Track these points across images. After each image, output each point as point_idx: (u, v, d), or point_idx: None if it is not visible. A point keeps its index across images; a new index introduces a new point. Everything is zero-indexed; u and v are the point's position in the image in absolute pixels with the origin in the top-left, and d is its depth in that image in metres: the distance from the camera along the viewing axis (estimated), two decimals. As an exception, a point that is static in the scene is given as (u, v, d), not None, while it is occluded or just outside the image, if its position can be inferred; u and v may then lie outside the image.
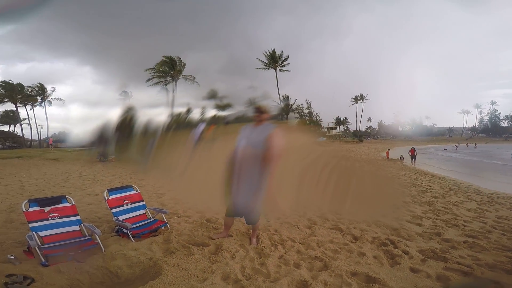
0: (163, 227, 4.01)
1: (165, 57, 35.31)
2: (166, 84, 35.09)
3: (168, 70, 34.91)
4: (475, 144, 54.34)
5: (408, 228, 4.30)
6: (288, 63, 45.36)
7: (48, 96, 45.18)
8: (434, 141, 68.27)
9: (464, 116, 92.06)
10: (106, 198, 4.05)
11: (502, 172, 15.90)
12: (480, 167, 19.56)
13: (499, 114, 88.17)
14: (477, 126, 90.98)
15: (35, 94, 43.58)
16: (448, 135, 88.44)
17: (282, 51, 45.33)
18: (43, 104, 45.15)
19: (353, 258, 3.21)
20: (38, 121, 46.82)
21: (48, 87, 45.30)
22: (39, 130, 47.21)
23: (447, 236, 4.00)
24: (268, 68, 45.75)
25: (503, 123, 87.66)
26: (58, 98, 45.61)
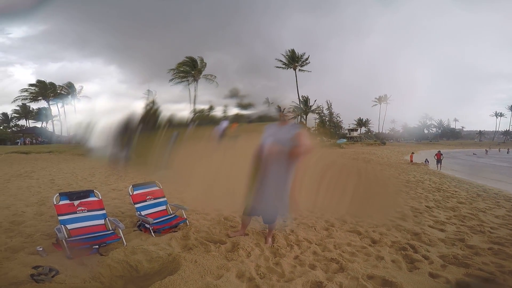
0: (182, 223, 4.13)
1: (186, 57, 36.10)
2: (188, 84, 35.87)
3: (189, 70, 35.62)
4: (508, 149, 50.61)
5: (430, 233, 4.17)
6: (308, 63, 44.73)
7: (77, 94, 47.42)
8: (462, 145, 64.94)
9: (497, 119, 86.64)
10: (131, 193, 4.22)
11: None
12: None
13: None
14: (511, 130, 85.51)
15: (66, 93, 45.91)
16: (479, 139, 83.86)
17: (304, 53, 44.65)
18: (72, 102, 47.47)
19: (371, 261, 3.17)
20: (68, 117, 49.19)
21: (77, 86, 47.68)
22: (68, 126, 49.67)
23: (471, 242, 3.85)
24: (288, 68, 45.34)
25: None
26: (86, 96, 47.82)
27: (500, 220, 5.27)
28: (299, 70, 44.99)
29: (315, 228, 4.23)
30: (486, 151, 44.36)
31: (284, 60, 45.09)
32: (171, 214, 4.37)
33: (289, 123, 3.38)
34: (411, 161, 21.59)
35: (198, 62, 36.17)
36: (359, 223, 4.60)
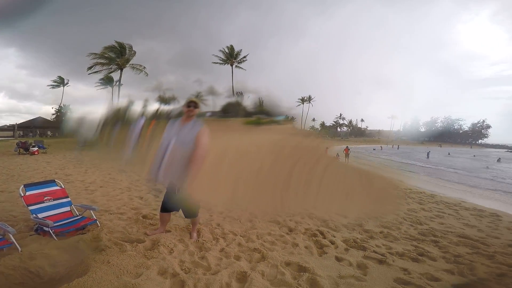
0: (92, 224, 3.71)
1: (116, 42, 31.66)
2: (110, 73, 31.72)
3: (115, 58, 31.44)
4: (398, 145, 64.02)
5: (335, 220, 4.74)
6: (245, 60, 45.01)
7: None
8: (366, 142, 76.82)
9: (392, 121, 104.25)
10: (22, 195, 3.61)
11: (421, 171, 18.57)
12: (401, 167, 22.61)
13: (419, 120, 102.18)
14: (401, 130, 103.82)
15: None
16: (378, 137, 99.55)
17: (241, 49, 44.67)
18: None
19: (288, 249, 3.44)
20: None
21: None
22: None
23: (367, 227, 4.53)
24: (225, 64, 44.92)
25: (421, 128, 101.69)
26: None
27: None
28: (236, 66, 44.97)
29: (240, 221, 4.37)
30: (381, 147, 54.52)
31: (222, 56, 44.49)
32: (77, 216, 3.88)
33: (193, 119, 3.17)
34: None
35: (127, 49, 32.09)
36: (279, 213, 4.93)
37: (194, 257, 3.02)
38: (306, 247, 3.52)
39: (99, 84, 32.94)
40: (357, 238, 3.95)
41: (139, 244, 3.15)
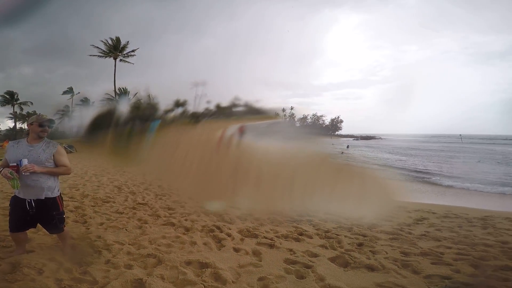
0: None
1: None
2: None
3: None
4: None
5: (230, 213, 4.96)
6: (134, 55, 39.25)
7: None
8: (265, 118, 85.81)
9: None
10: None
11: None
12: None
13: (295, 117, 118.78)
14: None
15: None
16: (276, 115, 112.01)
17: (127, 42, 38.54)
18: None
19: (186, 248, 3.39)
20: None
21: None
22: None
23: (257, 215, 4.92)
24: (106, 57, 38.16)
25: (297, 123, 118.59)
26: None
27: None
28: (121, 60, 38.79)
29: (126, 229, 3.97)
30: None
31: (103, 48, 37.43)
32: None
33: (44, 139, 2.79)
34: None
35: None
36: (172, 215, 4.78)
37: (74, 274, 2.60)
38: (205, 244, 3.55)
39: None
40: (250, 227, 4.26)
41: (-9, 270, 2.46)
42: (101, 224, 4.21)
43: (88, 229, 3.96)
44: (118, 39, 38.11)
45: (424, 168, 18.37)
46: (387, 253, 3.43)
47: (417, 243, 3.79)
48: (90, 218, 4.48)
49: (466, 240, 3.84)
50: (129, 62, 39.03)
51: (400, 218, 5.20)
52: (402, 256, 3.35)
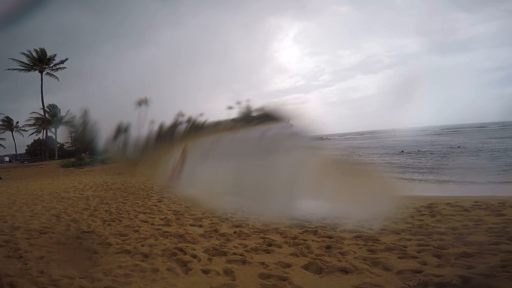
0: None
1: None
2: None
3: None
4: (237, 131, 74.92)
5: (192, 232, 4.63)
6: (64, 67, 34.76)
7: None
8: (207, 134, 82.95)
9: (229, 111, 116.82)
10: None
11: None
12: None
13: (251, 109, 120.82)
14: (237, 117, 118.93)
15: None
16: (217, 128, 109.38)
17: (55, 54, 34.02)
18: None
19: (148, 277, 3.05)
20: None
21: None
22: None
23: (222, 230, 4.68)
24: (30, 70, 33.32)
25: (253, 114, 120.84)
26: None
27: (236, 205, 6.69)
28: (47, 73, 34.14)
29: (73, 261, 3.49)
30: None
31: (26, 60, 32.59)
32: None
33: None
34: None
35: None
36: (126, 241, 4.29)
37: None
38: (168, 269, 3.22)
39: None
40: (216, 244, 4.01)
41: None
42: (41, 257, 3.70)
43: (26, 264, 3.46)
44: (43, 51, 34.02)
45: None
46: (355, 253, 3.48)
47: (379, 238, 3.94)
48: (26, 252, 3.91)
49: (422, 230, 4.11)
50: (55, 76, 34.79)
51: (357, 214, 5.36)
52: (370, 254, 3.42)
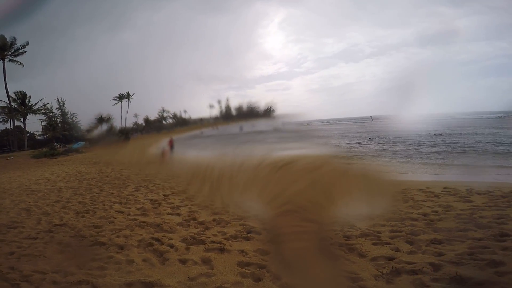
0: None
1: None
2: None
3: None
4: (218, 127, 73.13)
5: (169, 221, 4.54)
6: (24, 51, 32.16)
7: None
8: (191, 129, 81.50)
9: (211, 109, 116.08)
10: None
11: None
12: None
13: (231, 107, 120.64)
14: (219, 116, 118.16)
15: None
16: (201, 123, 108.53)
17: (14, 38, 31.69)
18: None
19: (123, 269, 2.98)
20: None
21: None
22: None
23: (201, 218, 4.61)
24: None
25: (234, 112, 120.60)
26: None
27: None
28: (10, 60, 31.62)
29: (44, 256, 3.31)
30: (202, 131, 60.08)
31: None
32: None
33: None
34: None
35: None
36: (100, 233, 4.16)
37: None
38: (144, 260, 3.15)
39: None
40: (194, 233, 3.96)
41: None
42: (12, 253, 3.57)
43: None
44: (2, 37, 31.57)
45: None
46: (331, 239, 3.55)
47: (355, 224, 4.03)
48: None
49: (395, 216, 4.25)
50: (19, 62, 32.60)
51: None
52: (345, 240, 3.50)
